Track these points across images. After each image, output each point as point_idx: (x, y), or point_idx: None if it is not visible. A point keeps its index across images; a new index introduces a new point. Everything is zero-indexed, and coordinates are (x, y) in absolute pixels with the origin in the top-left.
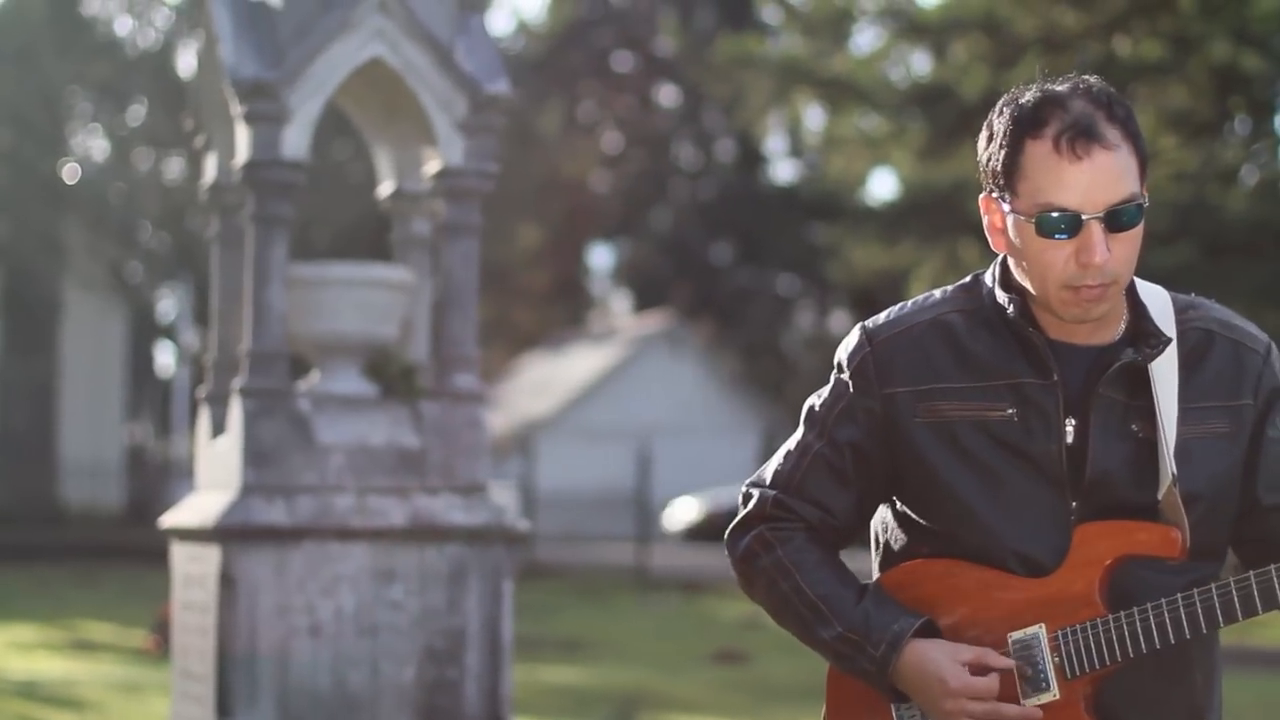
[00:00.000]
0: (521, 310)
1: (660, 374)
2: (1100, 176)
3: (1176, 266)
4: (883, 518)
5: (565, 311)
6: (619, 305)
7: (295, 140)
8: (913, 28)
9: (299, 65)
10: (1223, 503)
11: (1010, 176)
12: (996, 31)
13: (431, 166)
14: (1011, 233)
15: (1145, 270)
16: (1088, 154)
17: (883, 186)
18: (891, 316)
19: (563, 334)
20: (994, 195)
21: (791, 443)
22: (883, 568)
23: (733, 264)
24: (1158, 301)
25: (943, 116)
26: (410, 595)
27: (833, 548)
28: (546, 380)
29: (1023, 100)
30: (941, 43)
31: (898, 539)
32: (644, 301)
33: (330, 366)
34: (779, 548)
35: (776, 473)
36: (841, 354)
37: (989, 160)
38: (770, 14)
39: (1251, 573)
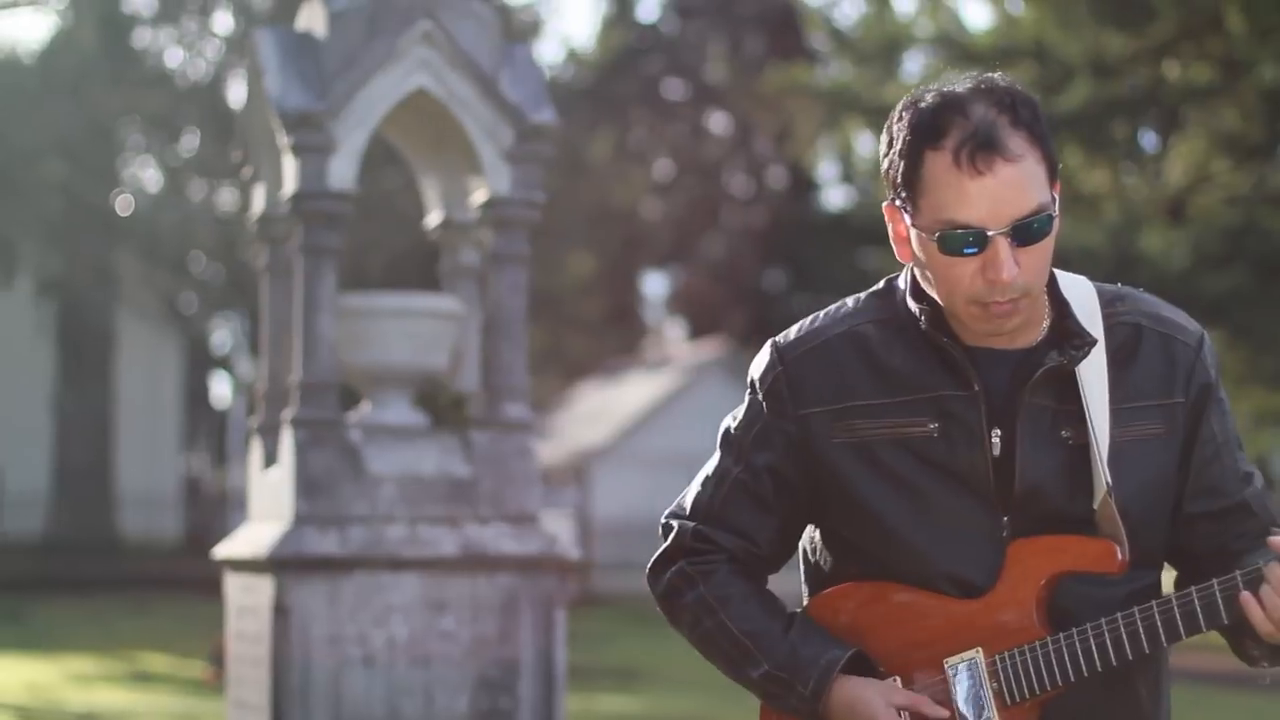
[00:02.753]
0: (575, 339)
1: (715, 401)
2: (1004, 191)
3: (1228, 289)
4: (811, 537)
5: (619, 340)
6: (673, 333)
7: (342, 171)
8: (964, 55)
9: (344, 96)
10: (1159, 506)
11: (911, 189)
12: (1046, 57)
13: (478, 196)
14: (916, 246)
15: (1196, 295)
16: (989, 168)
17: None
18: (803, 331)
19: (617, 362)
20: (897, 204)
21: (709, 468)
22: (812, 588)
23: (786, 291)
24: (1082, 295)
25: None
26: (462, 625)
27: (758, 577)
28: (601, 409)
29: (922, 104)
30: (992, 70)
31: (826, 559)
32: (698, 329)
33: (380, 396)
34: (701, 583)
35: (695, 502)
36: (754, 372)
37: (889, 168)
38: (819, 41)
39: (1194, 588)
